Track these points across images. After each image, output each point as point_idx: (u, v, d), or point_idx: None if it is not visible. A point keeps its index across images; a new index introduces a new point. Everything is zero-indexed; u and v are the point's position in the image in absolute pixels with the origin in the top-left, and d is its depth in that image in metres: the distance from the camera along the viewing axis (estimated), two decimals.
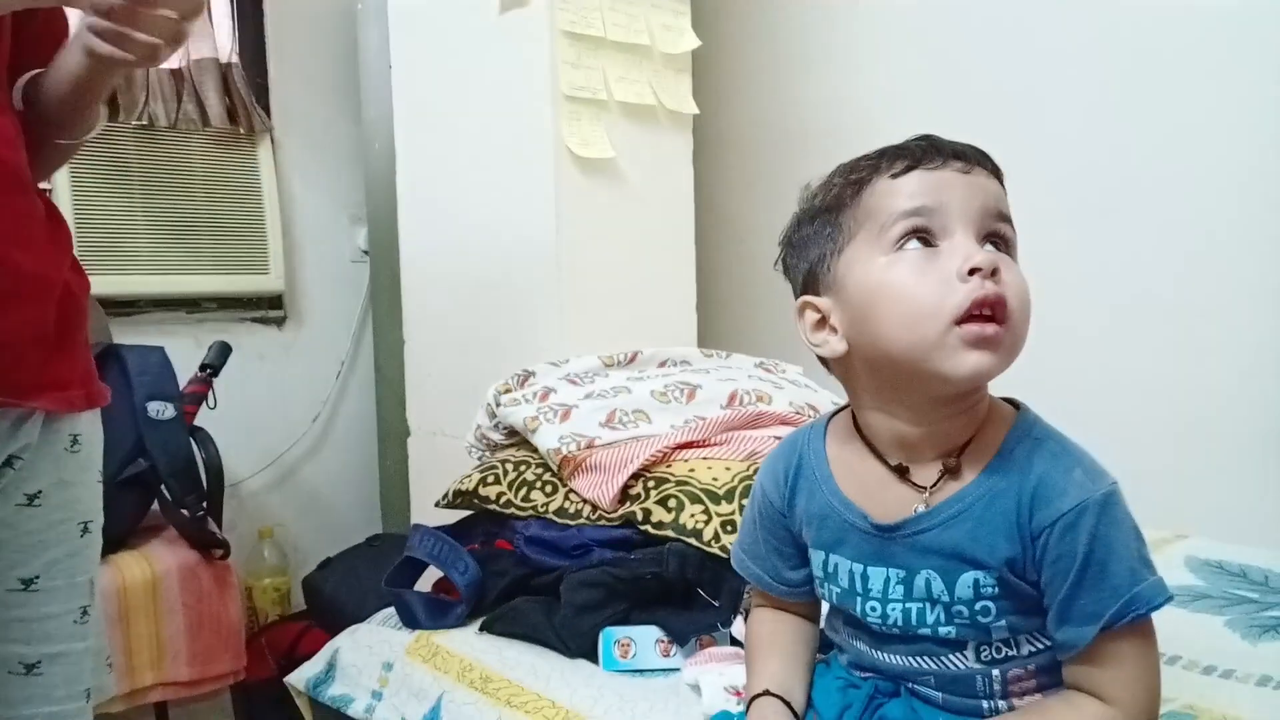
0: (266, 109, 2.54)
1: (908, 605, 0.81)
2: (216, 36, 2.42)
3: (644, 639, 1.23)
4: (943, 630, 0.80)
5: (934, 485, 0.80)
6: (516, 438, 1.58)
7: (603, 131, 1.91)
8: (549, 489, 1.43)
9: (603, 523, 1.36)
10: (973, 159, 0.78)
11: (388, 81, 2.26)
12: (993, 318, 0.73)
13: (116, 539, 1.78)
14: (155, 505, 1.90)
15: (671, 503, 1.31)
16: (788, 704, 0.87)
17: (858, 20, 2.25)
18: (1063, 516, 0.74)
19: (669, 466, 1.36)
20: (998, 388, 0.85)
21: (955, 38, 2.09)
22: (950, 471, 0.79)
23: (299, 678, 1.47)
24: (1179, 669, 1.14)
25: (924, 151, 0.78)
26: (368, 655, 1.40)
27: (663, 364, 1.69)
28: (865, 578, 0.83)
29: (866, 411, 0.84)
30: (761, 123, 2.46)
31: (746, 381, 1.57)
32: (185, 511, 1.83)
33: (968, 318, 0.73)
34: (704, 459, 1.37)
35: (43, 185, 1.01)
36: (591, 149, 1.89)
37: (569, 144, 1.86)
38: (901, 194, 0.77)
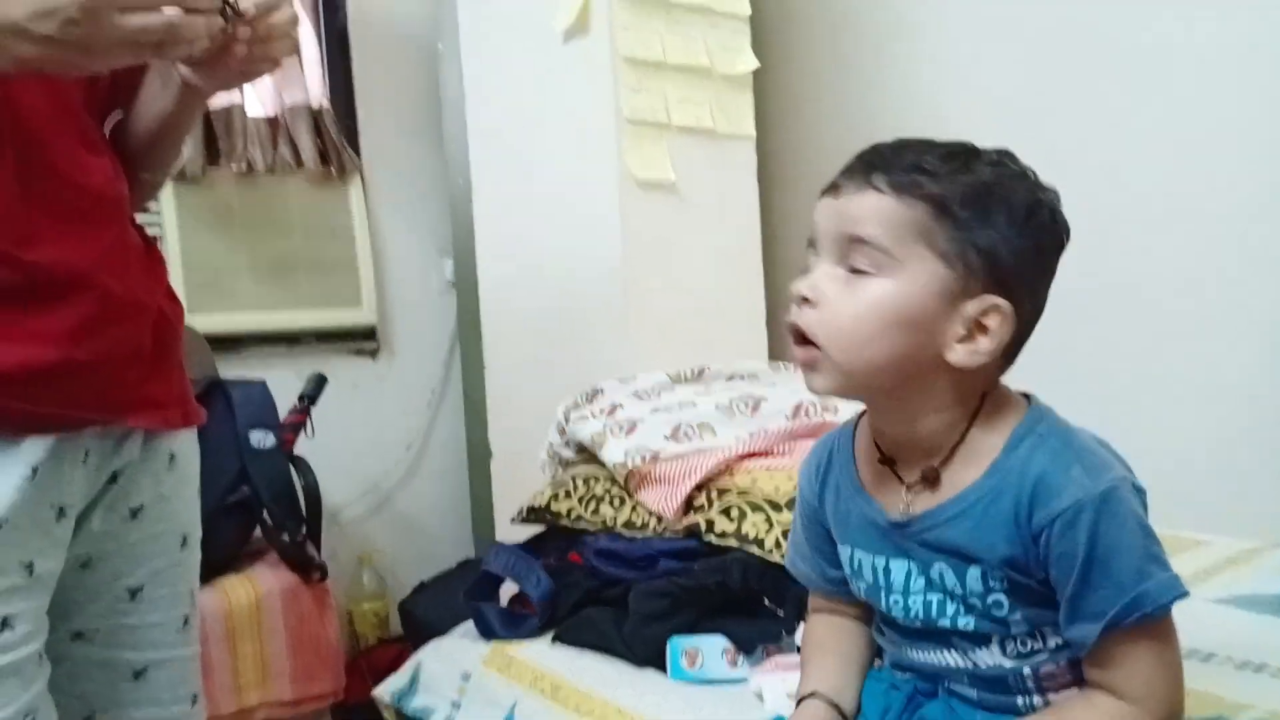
0: (356, 149, 2.65)
1: (928, 597, 0.82)
2: (308, 83, 2.53)
3: (711, 649, 1.24)
4: (961, 622, 0.80)
5: (913, 485, 0.82)
6: (586, 454, 1.61)
7: (665, 154, 1.94)
8: (617, 503, 1.46)
9: (669, 534, 1.38)
10: (844, 182, 0.79)
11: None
12: (806, 341, 0.77)
13: (221, 562, 1.87)
14: (258, 531, 1.97)
15: (734, 512, 1.32)
16: (836, 705, 0.88)
17: (919, 39, 2.23)
18: (1060, 515, 0.73)
19: (732, 477, 1.38)
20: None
21: (1020, 54, 2.05)
22: (929, 481, 0.80)
23: (385, 690, 1.53)
24: (1267, 676, 1.09)
25: (830, 182, 0.81)
26: (448, 666, 1.45)
27: (730, 378, 1.70)
28: (887, 571, 0.84)
29: None
30: (827, 140, 2.45)
31: None
32: (286, 536, 1.91)
33: (794, 341, 0.79)
34: (766, 469, 1.38)
35: (141, 221, 1.08)
36: (652, 171, 1.92)
37: (630, 166, 1.90)
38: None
